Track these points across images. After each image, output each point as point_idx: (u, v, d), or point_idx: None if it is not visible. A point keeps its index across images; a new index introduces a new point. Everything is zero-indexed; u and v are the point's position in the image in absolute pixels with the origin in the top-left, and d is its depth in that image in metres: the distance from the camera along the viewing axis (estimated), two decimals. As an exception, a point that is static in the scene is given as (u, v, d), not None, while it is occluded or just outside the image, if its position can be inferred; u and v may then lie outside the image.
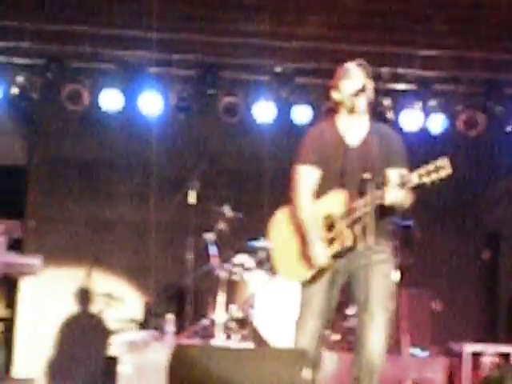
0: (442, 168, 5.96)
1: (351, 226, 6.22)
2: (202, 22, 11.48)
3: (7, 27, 11.56)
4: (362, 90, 6.38)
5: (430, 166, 6.02)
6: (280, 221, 6.80)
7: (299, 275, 6.54)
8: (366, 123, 6.59)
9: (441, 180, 5.98)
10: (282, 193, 6.86)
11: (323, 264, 6.28)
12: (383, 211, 6.25)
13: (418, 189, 6.13)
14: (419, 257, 10.97)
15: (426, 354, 10.58)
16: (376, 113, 9.40)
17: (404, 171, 6.24)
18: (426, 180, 6.00)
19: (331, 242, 6.35)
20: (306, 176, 6.54)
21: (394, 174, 6.28)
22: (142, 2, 10.86)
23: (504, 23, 11.15)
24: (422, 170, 6.02)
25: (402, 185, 6.04)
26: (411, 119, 11.79)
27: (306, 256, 6.41)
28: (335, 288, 6.53)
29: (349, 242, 6.24)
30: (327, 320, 6.68)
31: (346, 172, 6.42)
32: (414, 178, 6.03)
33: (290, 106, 11.79)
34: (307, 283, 6.50)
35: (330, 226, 6.37)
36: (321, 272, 6.40)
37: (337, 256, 6.35)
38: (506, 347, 11.01)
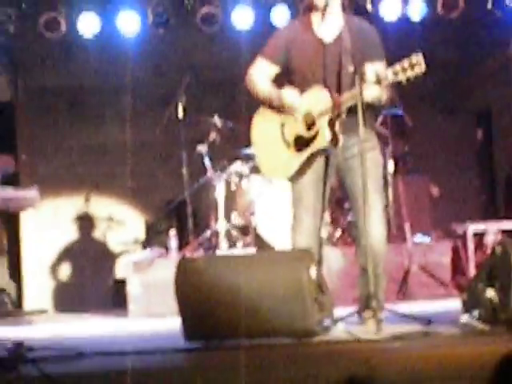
0: (416, 65, 6.06)
1: (332, 122, 6.28)
2: None
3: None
4: None
5: (405, 63, 6.11)
6: (257, 122, 6.90)
7: (287, 169, 6.67)
8: (341, 19, 6.55)
9: (415, 77, 6.09)
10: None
11: (296, 103, 6.42)
12: (363, 105, 6.22)
13: (394, 85, 6.28)
14: (413, 144, 11.00)
15: (428, 238, 10.63)
16: (356, 5, 9.33)
17: (380, 65, 6.30)
18: (401, 77, 6.11)
19: (314, 136, 6.42)
20: (261, 68, 6.73)
21: (370, 70, 6.26)
22: None
23: None
24: (397, 67, 6.12)
25: (378, 82, 6.11)
26: (390, 8, 11.72)
27: (286, 143, 6.59)
28: (327, 183, 6.63)
29: (328, 137, 6.35)
30: (321, 216, 6.83)
31: (324, 68, 6.44)
32: (389, 76, 6.13)
33: (268, 9, 11.74)
34: (296, 177, 6.63)
35: (311, 125, 6.41)
36: (307, 161, 6.53)
37: (321, 151, 6.49)
38: (507, 223, 11.10)
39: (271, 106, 6.60)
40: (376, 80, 6.08)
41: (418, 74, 6.06)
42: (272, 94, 6.55)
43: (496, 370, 4.33)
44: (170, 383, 4.41)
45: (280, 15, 11.53)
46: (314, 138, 6.43)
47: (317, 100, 6.38)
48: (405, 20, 11.78)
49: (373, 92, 6.18)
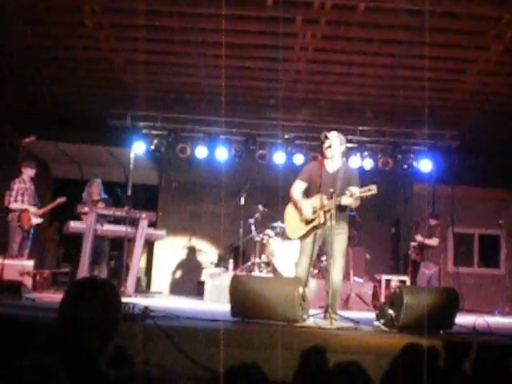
0: (372, 189, 6.32)
1: (325, 212, 6.44)
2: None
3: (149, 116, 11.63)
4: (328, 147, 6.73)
5: (367, 188, 6.37)
6: (288, 210, 6.96)
7: (299, 233, 6.72)
8: (340, 163, 6.77)
9: (372, 196, 6.35)
10: (287, 200, 6.92)
11: (307, 214, 6.63)
12: (341, 207, 6.53)
13: (359, 199, 6.43)
14: (359, 231, 10.93)
15: (361, 280, 10.51)
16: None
17: (356, 188, 6.48)
18: (363, 195, 6.37)
19: (314, 219, 6.56)
20: (298, 185, 6.87)
21: (353, 189, 6.47)
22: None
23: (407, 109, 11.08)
24: (362, 190, 6.39)
25: (351, 196, 6.34)
26: (355, 162, 11.69)
27: (301, 222, 6.70)
28: (316, 245, 6.64)
29: (322, 220, 6.48)
30: (312, 262, 6.84)
31: (323, 185, 6.61)
32: (357, 193, 6.37)
33: (292, 154, 11.79)
34: (303, 237, 6.72)
35: (314, 212, 6.54)
36: (309, 231, 6.63)
37: (317, 227, 6.57)
38: (402, 277, 11.03)
39: (296, 205, 6.80)
40: (350, 194, 6.32)
41: (373, 194, 6.30)
42: (298, 201, 6.79)
43: (393, 352, 4.21)
44: (223, 338, 4.34)
45: (298, 159, 11.57)
46: (315, 219, 6.55)
47: (318, 200, 6.56)
48: (361, 168, 11.77)
49: (347, 200, 6.35)
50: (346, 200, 6.37)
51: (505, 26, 7.88)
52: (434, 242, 10.82)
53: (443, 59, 8.94)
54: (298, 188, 6.85)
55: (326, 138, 6.65)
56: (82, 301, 2.40)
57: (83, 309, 2.36)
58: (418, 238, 10.97)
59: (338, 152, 6.70)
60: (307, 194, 6.81)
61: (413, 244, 11.75)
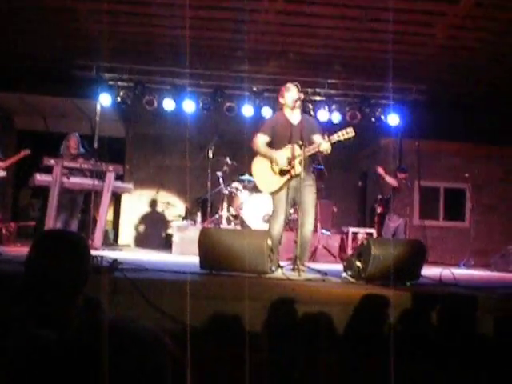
0: (350, 132, 6.42)
1: (299, 163, 6.41)
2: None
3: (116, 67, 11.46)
4: (298, 99, 6.64)
5: (344, 131, 6.45)
6: (256, 164, 6.91)
7: (275, 186, 6.69)
8: (299, 114, 6.75)
9: (349, 138, 6.45)
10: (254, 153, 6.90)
11: (282, 164, 6.58)
12: (310, 158, 6.65)
13: (336, 143, 6.47)
14: (326, 184, 10.97)
15: (329, 232, 10.60)
16: (305, 111, 9.26)
17: (319, 136, 6.61)
18: (342, 138, 6.43)
19: (289, 170, 6.56)
20: (262, 138, 6.80)
21: (316, 138, 6.58)
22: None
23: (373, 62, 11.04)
24: (340, 133, 6.44)
25: (330, 140, 6.38)
26: (323, 115, 11.70)
27: (275, 174, 6.68)
28: (289, 198, 6.67)
29: (298, 171, 6.44)
30: (287, 214, 6.90)
31: (292, 137, 6.54)
32: (336, 137, 6.41)
33: (260, 107, 11.75)
34: (276, 192, 6.70)
35: (289, 163, 6.55)
36: (284, 183, 6.62)
37: (291, 179, 6.58)
38: (369, 229, 11.16)
39: (266, 157, 6.70)
40: (328, 139, 6.40)
41: (351, 136, 6.41)
42: (267, 151, 6.69)
43: (358, 301, 4.26)
44: (190, 290, 4.34)
45: (266, 112, 11.53)
46: (289, 170, 6.52)
47: (289, 151, 6.52)
48: (330, 121, 11.78)
49: (325, 145, 6.37)
50: (324, 145, 6.36)
51: (475, -22, 7.84)
52: (392, 181, 10.85)
53: (411, 12, 8.87)
54: (262, 141, 6.77)
55: (298, 89, 6.64)
56: (50, 252, 2.37)
57: (51, 259, 2.33)
58: (380, 170, 10.96)
59: (299, 103, 6.73)
60: (270, 147, 6.76)
61: (379, 197, 11.84)
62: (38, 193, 13.15)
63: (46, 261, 2.34)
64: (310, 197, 6.60)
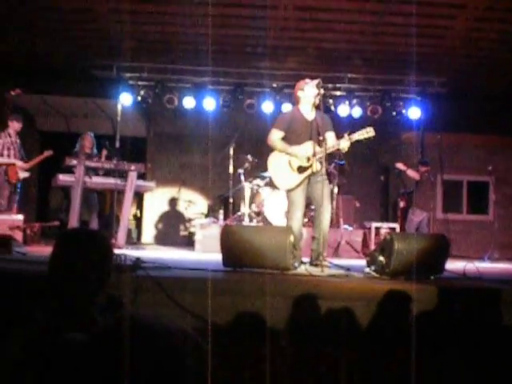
0: (370, 131, 6.38)
1: (318, 160, 6.48)
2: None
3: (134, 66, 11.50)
4: (318, 94, 6.61)
5: (364, 130, 6.40)
6: (272, 161, 6.90)
7: (293, 183, 6.65)
8: (314, 110, 6.81)
9: (369, 138, 6.41)
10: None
11: (303, 161, 6.58)
12: (327, 156, 6.62)
13: (356, 142, 6.46)
14: (348, 179, 10.93)
15: (351, 228, 10.57)
16: (326, 106, 9.26)
17: (332, 133, 6.70)
18: (362, 137, 6.40)
19: (308, 167, 6.59)
20: (277, 134, 6.75)
21: (329, 135, 6.65)
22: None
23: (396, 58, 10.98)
24: (360, 132, 6.40)
25: (350, 139, 6.38)
26: (344, 110, 11.67)
27: (293, 171, 6.64)
28: (305, 194, 6.67)
29: (318, 168, 6.54)
30: (304, 211, 6.90)
31: (309, 133, 6.62)
32: (356, 136, 6.39)
33: (280, 103, 11.75)
34: (294, 189, 6.65)
35: (308, 160, 6.56)
36: (303, 180, 6.61)
37: (310, 174, 6.61)
38: (392, 224, 11.10)
39: (284, 152, 6.67)
40: (348, 138, 6.37)
41: (371, 136, 6.37)
42: (285, 147, 6.64)
43: (381, 297, 4.25)
44: (213, 287, 4.35)
45: (287, 108, 11.48)
46: (309, 167, 6.53)
47: (308, 148, 6.56)
48: (350, 116, 11.74)
49: (345, 143, 6.39)
50: (344, 143, 6.38)
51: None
52: (415, 175, 10.84)
53: (432, 5, 8.82)
54: (277, 136, 6.73)
55: (320, 85, 6.62)
56: (72, 249, 2.39)
57: (74, 257, 2.36)
58: (399, 165, 10.96)
59: (319, 98, 6.70)
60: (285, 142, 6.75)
61: (401, 191, 11.78)
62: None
63: (69, 257, 2.38)
64: (324, 191, 6.54)
